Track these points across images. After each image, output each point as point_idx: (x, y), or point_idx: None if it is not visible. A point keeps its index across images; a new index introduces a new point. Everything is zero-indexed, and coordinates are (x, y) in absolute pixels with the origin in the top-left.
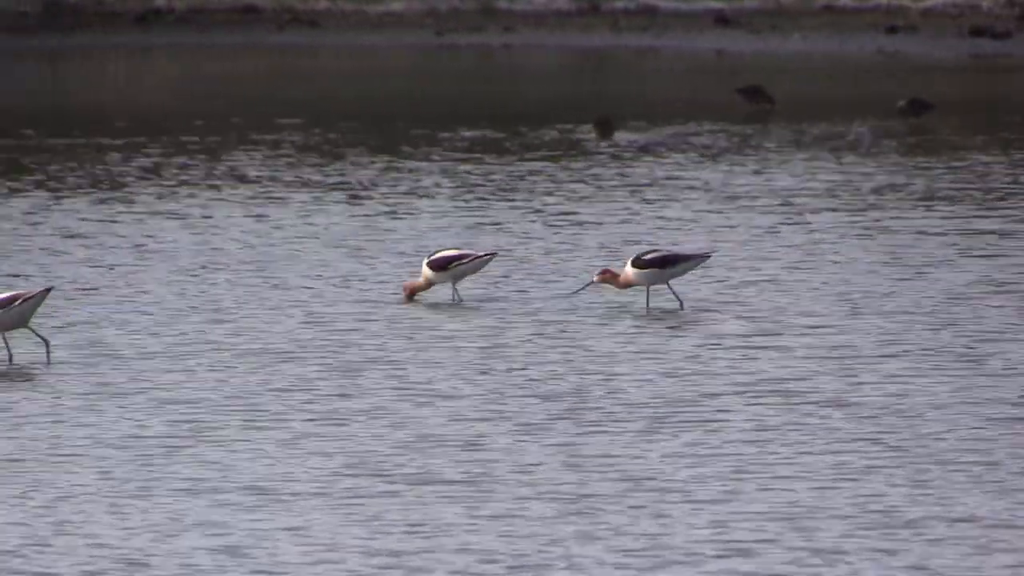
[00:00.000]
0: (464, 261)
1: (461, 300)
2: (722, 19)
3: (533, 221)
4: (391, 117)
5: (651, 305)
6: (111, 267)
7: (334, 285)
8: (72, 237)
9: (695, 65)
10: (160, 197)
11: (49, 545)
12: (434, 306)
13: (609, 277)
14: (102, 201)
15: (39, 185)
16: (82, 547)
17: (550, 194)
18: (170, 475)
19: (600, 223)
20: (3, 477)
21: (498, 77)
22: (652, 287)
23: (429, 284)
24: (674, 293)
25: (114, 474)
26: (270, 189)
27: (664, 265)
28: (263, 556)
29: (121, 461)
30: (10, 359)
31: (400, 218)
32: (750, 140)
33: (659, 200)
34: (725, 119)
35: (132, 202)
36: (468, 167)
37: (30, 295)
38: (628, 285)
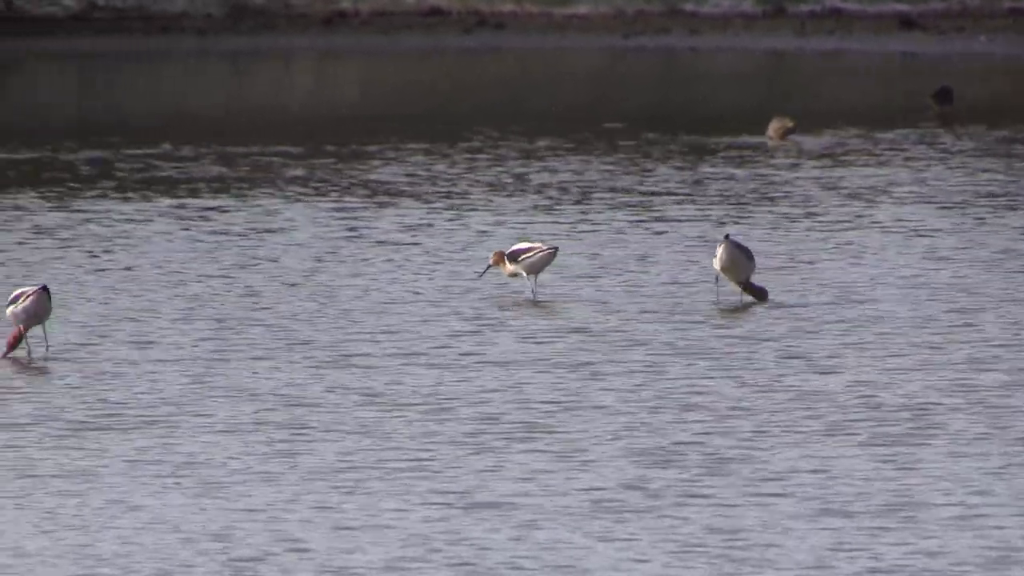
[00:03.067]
0: (530, 254)
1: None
2: (907, 21)
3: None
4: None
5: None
6: (427, 274)
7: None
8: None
9: (880, 67)
10: (447, 205)
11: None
12: (666, 315)
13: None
14: (367, 209)
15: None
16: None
17: (728, 199)
18: (428, 487)
19: (777, 228)
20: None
21: (685, 80)
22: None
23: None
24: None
25: (370, 488)
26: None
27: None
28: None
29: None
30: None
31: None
32: (935, 142)
33: (846, 204)
34: (910, 122)
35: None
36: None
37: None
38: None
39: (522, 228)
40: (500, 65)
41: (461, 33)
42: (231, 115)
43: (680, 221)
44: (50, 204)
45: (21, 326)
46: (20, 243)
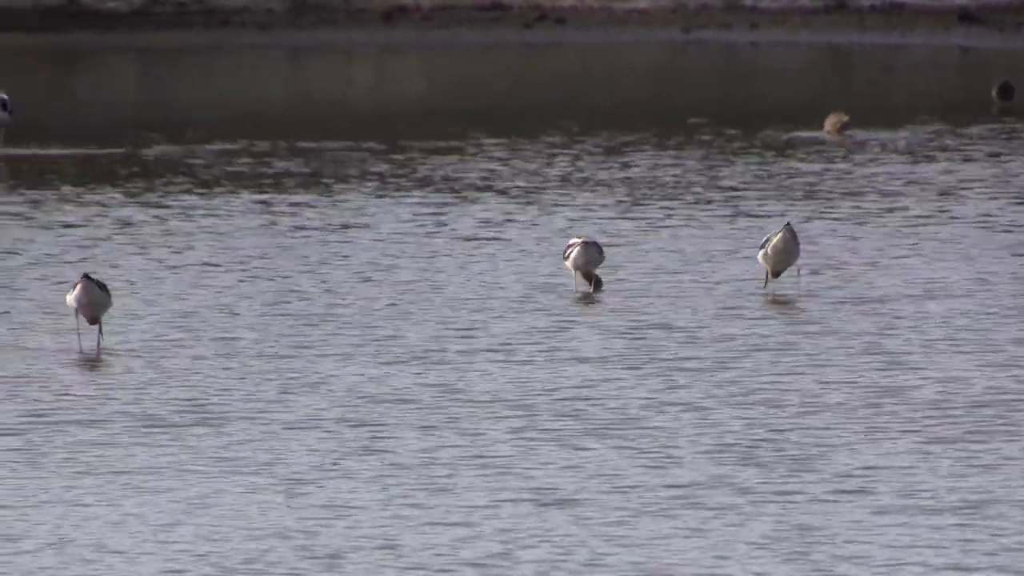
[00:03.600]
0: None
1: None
2: (967, 16)
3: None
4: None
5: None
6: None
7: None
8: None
9: (940, 62)
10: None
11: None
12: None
13: None
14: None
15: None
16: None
17: (810, 194)
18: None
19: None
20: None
21: (745, 75)
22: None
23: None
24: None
25: (456, 487)
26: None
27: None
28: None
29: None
30: None
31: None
32: (1013, 136)
33: (926, 199)
34: (978, 117)
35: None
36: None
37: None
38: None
39: (604, 223)
40: (561, 60)
41: (522, 28)
42: (297, 110)
43: (759, 216)
44: (131, 199)
45: (84, 311)
46: (103, 239)
